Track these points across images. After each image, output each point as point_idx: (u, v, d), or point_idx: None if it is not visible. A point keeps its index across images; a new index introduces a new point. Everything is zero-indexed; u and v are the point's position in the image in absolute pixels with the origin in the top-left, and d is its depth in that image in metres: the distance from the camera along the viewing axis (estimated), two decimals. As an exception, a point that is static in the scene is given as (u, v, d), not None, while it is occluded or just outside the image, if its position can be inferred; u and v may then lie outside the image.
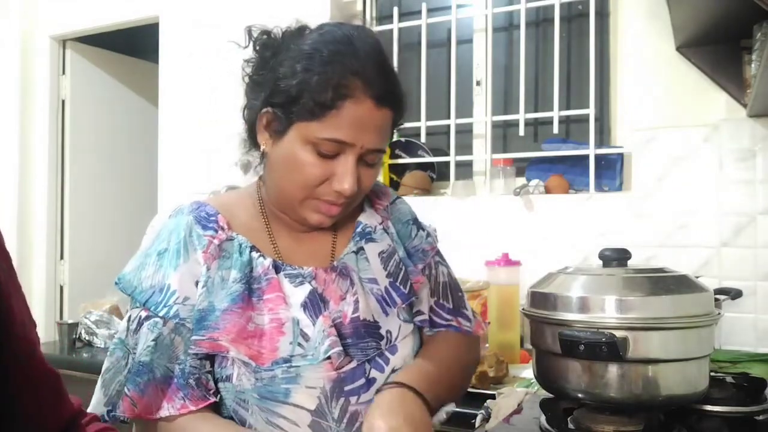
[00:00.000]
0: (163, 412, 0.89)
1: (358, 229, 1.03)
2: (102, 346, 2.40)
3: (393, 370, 0.97)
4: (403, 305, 1.01)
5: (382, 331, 0.98)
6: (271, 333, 0.91)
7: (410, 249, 1.07)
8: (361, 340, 0.95)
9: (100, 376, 0.96)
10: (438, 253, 1.12)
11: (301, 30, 0.99)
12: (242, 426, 0.91)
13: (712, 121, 1.96)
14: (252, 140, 1.00)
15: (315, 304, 0.94)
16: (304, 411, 0.91)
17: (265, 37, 1.00)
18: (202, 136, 2.80)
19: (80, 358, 2.31)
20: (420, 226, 1.11)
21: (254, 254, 0.95)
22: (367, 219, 1.05)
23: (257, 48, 0.99)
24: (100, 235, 3.39)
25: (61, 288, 3.27)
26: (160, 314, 0.91)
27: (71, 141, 3.29)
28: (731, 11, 1.58)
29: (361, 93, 0.89)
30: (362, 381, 0.94)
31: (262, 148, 0.97)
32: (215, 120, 2.75)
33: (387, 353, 0.98)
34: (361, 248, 1.02)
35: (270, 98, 0.94)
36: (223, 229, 0.96)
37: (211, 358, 0.93)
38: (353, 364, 0.94)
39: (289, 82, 0.91)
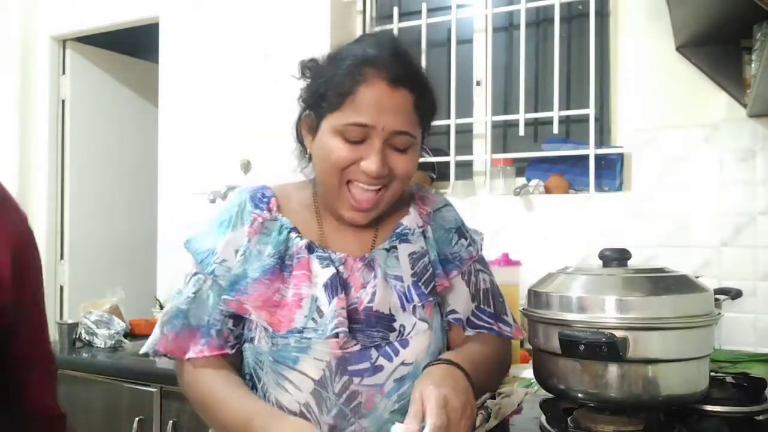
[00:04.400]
0: (189, 354, 1.02)
1: (398, 230, 1.10)
2: (102, 346, 2.40)
3: (403, 363, 1.03)
4: (420, 303, 1.05)
5: (396, 325, 1.04)
6: (291, 305, 1.01)
7: (449, 255, 1.12)
8: (369, 328, 1.02)
9: (160, 319, 1.08)
10: (480, 261, 1.16)
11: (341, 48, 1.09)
12: (254, 387, 1.04)
13: (712, 121, 1.96)
14: (303, 148, 1.11)
15: (335, 286, 1.02)
16: (309, 379, 1.00)
17: (312, 63, 1.09)
18: (202, 136, 2.80)
19: (80, 358, 2.31)
20: (462, 235, 1.15)
21: (293, 235, 1.06)
22: (409, 222, 1.11)
23: (307, 75, 1.08)
24: (100, 235, 3.39)
25: (61, 288, 3.27)
26: (205, 271, 1.04)
27: (71, 141, 3.29)
28: (731, 11, 1.58)
29: (374, 77, 0.97)
30: (367, 365, 1.01)
31: (308, 150, 1.08)
32: (215, 120, 2.75)
33: (397, 345, 1.03)
34: (394, 247, 1.08)
35: (306, 102, 1.06)
36: (270, 210, 1.08)
37: (237, 318, 1.04)
38: (357, 347, 1.01)
39: (319, 82, 1.03)
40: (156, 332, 1.06)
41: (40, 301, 0.79)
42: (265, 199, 1.09)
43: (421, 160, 2.60)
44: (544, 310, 1.06)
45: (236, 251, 1.04)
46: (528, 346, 1.29)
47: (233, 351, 1.05)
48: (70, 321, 2.51)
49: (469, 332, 1.11)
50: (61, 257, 3.27)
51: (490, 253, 2.02)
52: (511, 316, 1.16)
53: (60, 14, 3.18)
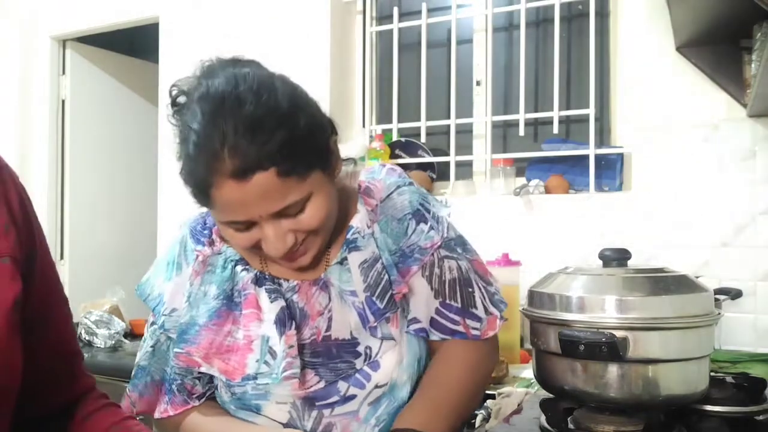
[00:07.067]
0: (156, 414, 0.99)
1: (348, 236, 0.95)
2: (102, 346, 2.40)
3: (376, 386, 0.95)
4: (376, 323, 0.93)
5: (360, 348, 0.94)
6: (242, 349, 0.92)
7: (405, 249, 0.97)
8: (331, 360, 0.93)
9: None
10: (446, 246, 1.00)
11: (199, 82, 0.92)
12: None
13: (712, 121, 1.96)
14: None
15: (284, 321, 0.91)
16: (276, 422, 0.95)
17: (175, 91, 0.95)
18: (202, 136, 2.80)
19: (80, 358, 2.31)
20: (421, 219, 0.99)
21: (238, 268, 0.95)
22: (359, 222, 0.96)
23: (174, 107, 0.94)
24: (100, 236, 3.39)
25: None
26: (158, 323, 0.99)
27: (71, 141, 3.29)
28: (731, 11, 1.58)
29: (218, 177, 0.80)
30: (336, 398, 0.94)
31: None
32: (215, 120, 2.75)
33: (368, 369, 0.94)
34: (345, 258, 0.94)
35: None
36: (212, 243, 0.97)
37: None
38: (321, 384, 0.93)
39: (181, 167, 0.88)
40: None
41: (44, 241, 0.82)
42: (206, 231, 0.98)
43: (421, 160, 2.61)
44: (544, 310, 1.06)
45: (183, 296, 0.96)
46: (528, 346, 1.29)
47: (201, 402, 0.99)
48: (70, 321, 2.50)
49: (434, 336, 0.98)
50: (61, 257, 3.27)
51: (490, 253, 2.03)
52: (483, 308, 0.99)
53: (60, 14, 3.18)
